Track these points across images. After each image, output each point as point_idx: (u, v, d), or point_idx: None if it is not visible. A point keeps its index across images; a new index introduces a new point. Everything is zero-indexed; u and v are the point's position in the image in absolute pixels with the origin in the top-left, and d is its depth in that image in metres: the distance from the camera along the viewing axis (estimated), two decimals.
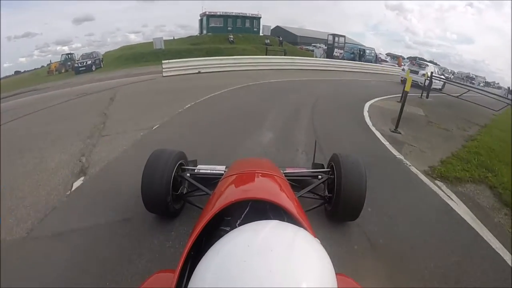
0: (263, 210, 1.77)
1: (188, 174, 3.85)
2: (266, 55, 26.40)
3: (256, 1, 64.94)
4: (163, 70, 16.26)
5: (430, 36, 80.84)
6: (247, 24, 43.49)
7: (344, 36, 34.63)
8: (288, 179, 2.77)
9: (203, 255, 0.91)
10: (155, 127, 7.20)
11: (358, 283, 1.42)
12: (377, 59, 41.69)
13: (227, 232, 0.99)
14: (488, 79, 59.75)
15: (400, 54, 52.26)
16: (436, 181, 5.46)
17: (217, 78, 15.09)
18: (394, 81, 23.31)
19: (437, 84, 19.87)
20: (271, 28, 45.90)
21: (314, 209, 3.74)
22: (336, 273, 0.89)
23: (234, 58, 18.60)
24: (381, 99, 13.17)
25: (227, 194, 2.03)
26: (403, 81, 20.31)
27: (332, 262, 0.89)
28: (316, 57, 32.24)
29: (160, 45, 32.44)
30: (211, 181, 3.63)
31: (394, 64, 37.76)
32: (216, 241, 0.95)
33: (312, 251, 0.88)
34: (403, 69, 22.71)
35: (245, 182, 2.26)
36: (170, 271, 1.37)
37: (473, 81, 49.69)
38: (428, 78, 15.89)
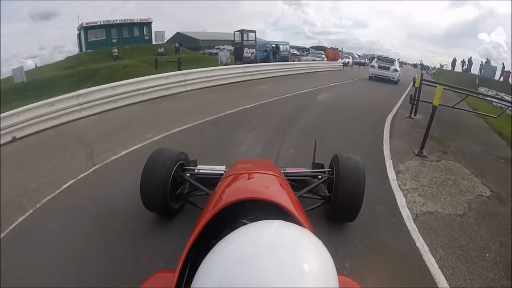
0: (262, 210, 1.72)
1: (188, 174, 3.86)
2: (156, 69, 20.79)
3: (154, 9, 60.44)
4: None
5: (328, 25, 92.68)
6: (136, 32, 35.50)
7: (254, 31, 27.38)
8: (288, 179, 2.79)
9: (203, 255, 0.91)
10: None
11: (358, 283, 1.39)
12: None
13: (227, 232, 0.98)
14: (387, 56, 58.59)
15: (302, 45, 52.58)
16: None
17: (35, 156, 6.26)
18: (346, 81, 20.12)
19: (394, 76, 21.90)
20: (172, 35, 42.45)
21: (314, 209, 3.66)
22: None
23: (81, 94, 9.19)
24: (387, 144, 7.37)
25: (227, 194, 2.05)
26: (372, 77, 22.23)
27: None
28: (221, 62, 25.13)
29: (22, 77, 22.28)
30: (211, 181, 3.59)
31: (316, 58, 32.09)
32: (216, 241, 0.95)
33: (316, 251, 0.87)
34: (368, 64, 25.59)
35: (245, 182, 2.25)
36: (170, 271, 1.38)
37: None
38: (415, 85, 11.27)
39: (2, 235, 3.77)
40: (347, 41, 79.76)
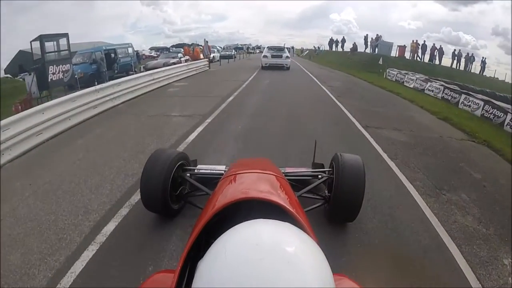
0: (262, 210, 1.48)
1: (188, 174, 3.72)
2: None
3: None
4: None
5: (187, 22, 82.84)
6: None
7: (65, 35, 14.77)
8: (288, 179, 2.56)
9: (203, 255, 0.84)
10: None
11: (358, 283, 1.26)
12: (139, 58, 27.35)
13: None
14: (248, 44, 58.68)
15: (163, 45, 46.88)
16: None
17: None
18: (221, 108, 9.19)
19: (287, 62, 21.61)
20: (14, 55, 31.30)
21: (314, 209, 3.46)
22: (336, 273, 0.88)
23: None
24: None
25: (227, 194, 1.93)
26: (266, 66, 21.21)
27: (331, 262, 0.80)
28: (29, 92, 13.03)
29: None
30: (211, 181, 3.43)
31: (171, 59, 21.41)
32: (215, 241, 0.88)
33: (310, 250, 0.80)
34: (263, 55, 22.05)
35: (245, 182, 2.12)
36: (170, 271, 1.30)
37: (242, 50, 45.47)
38: None
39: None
40: (208, 35, 75.22)
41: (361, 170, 3.35)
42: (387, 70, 19.88)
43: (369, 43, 29.04)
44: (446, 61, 27.22)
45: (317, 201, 3.59)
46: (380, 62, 20.85)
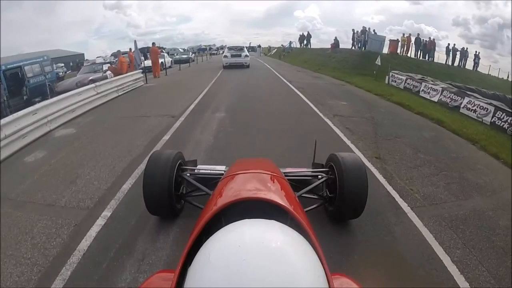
0: (263, 210, 1.44)
1: (188, 174, 3.60)
2: None
3: None
4: None
5: (152, 24, 77.01)
6: None
7: None
8: (288, 179, 2.49)
9: None
10: None
11: (358, 283, 1.22)
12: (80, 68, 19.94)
13: None
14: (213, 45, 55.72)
15: (127, 50, 40.73)
16: None
17: None
18: None
19: (246, 61, 21.72)
20: None
21: (314, 209, 3.33)
22: (336, 273, 0.88)
23: None
24: None
25: (227, 194, 1.87)
26: (227, 66, 20.97)
27: (331, 261, 0.78)
28: None
29: None
30: (211, 181, 3.22)
31: (92, 75, 14.49)
32: None
33: (298, 245, 0.81)
34: (224, 55, 22.21)
35: (245, 182, 2.02)
36: (170, 271, 1.26)
37: (205, 51, 42.80)
38: None
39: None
40: (172, 37, 69.63)
41: (362, 167, 3.24)
42: (390, 73, 14.38)
43: (355, 38, 23.44)
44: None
45: (317, 201, 3.48)
46: (378, 62, 15.40)
